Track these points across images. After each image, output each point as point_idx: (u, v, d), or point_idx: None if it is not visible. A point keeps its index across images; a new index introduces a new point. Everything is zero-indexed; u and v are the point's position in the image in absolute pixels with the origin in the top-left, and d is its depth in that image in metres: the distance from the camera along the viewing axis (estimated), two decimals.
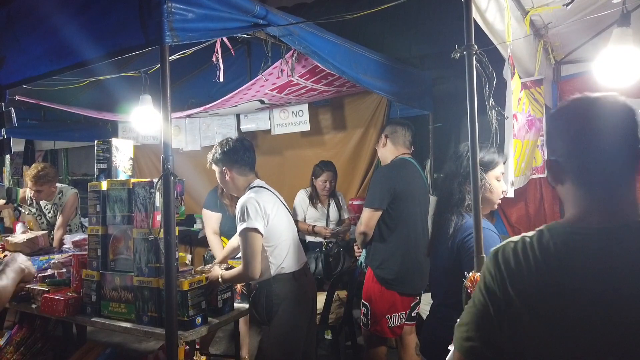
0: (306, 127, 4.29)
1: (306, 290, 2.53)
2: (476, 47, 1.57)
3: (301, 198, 4.05)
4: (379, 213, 2.85)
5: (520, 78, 2.50)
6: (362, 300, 2.99)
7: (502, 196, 2.00)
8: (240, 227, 2.35)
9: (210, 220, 3.65)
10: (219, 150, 2.56)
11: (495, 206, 2.00)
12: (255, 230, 2.32)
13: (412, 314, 3.01)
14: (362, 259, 3.20)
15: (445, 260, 1.91)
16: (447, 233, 1.89)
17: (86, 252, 2.65)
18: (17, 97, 3.67)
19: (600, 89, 2.95)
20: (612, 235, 1.01)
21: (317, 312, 3.51)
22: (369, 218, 2.86)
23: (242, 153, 2.52)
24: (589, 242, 1.02)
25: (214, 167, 2.60)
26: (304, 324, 2.50)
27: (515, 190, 2.43)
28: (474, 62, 1.57)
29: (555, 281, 1.01)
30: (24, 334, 3.09)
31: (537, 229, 1.11)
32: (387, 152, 3.04)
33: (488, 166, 1.96)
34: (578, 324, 0.98)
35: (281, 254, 2.44)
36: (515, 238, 1.13)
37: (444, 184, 2.04)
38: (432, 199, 3.79)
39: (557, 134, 1.11)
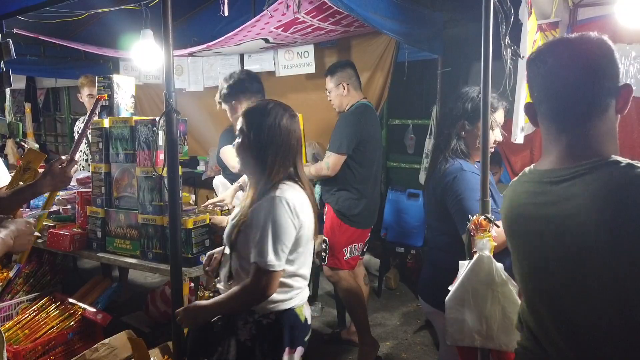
0: (311, 69, 4.18)
1: None
2: None
3: None
4: (344, 158, 2.94)
5: (536, 19, 2.40)
6: (323, 237, 3.11)
7: (493, 145, 1.91)
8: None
9: (232, 154, 3.49)
10: (225, 85, 2.51)
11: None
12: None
13: (364, 249, 3.23)
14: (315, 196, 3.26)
15: (434, 205, 1.93)
16: (436, 177, 1.89)
17: (90, 190, 2.66)
18: (15, 30, 3.56)
19: (617, 34, 2.82)
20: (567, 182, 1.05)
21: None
22: (335, 163, 2.94)
23: (248, 83, 2.48)
24: (533, 191, 1.11)
25: (224, 105, 2.55)
26: None
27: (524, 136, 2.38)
28: None
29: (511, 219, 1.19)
30: (32, 267, 3.17)
31: None
32: (349, 99, 3.09)
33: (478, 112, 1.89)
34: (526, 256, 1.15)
35: None
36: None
37: (439, 126, 2.02)
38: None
39: (532, 76, 1.13)
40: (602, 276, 0.98)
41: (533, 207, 1.11)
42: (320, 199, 3.30)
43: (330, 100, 3.21)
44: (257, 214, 1.59)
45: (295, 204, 1.60)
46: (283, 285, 1.65)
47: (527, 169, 1.19)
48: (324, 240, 3.10)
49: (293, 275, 1.67)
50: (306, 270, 1.74)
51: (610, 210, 0.96)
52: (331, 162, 2.95)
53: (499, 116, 1.94)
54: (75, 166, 2.03)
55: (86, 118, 2.24)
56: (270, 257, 1.55)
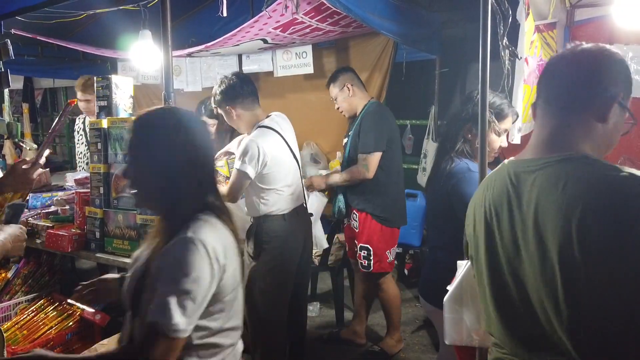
0: (310, 70, 4.18)
1: (295, 229, 2.56)
2: None
3: None
4: (380, 155, 2.95)
5: (534, 20, 2.40)
6: (360, 244, 3.05)
7: (497, 151, 1.95)
8: (236, 164, 2.45)
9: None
10: (217, 91, 2.53)
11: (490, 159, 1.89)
12: (245, 174, 2.39)
13: None
14: (340, 204, 3.17)
15: (437, 204, 1.94)
16: (440, 177, 1.90)
17: (89, 190, 2.66)
18: (13, 31, 3.56)
19: (615, 35, 2.84)
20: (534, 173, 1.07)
21: (317, 254, 3.59)
22: (373, 163, 2.93)
23: (239, 88, 2.50)
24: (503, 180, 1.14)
25: (220, 110, 2.59)
26: (293, 260, 2.56)
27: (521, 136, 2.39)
28: None
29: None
30: (31, 268, 3.16)
31: None
32: (358, 100, 3.10)
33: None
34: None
35: (274, 197, 2.48)
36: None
37: (446, 127, 2.03)
38: (434, 145, 3.77)
39: (540, 78, 1.19)
40: (563, 268, 0.98)
41: (506, 196, 1.12)
42: (344, 208, 3.16)
43: (339, 108, 3.17)
44: (164, 261, 1.22)
45: (215, 246, 1.24)
46: (209, 347, 1.29)
47: (506, 160, 1.21)
48: (365, 248, 3.05)
49: (220, 331, 1.30)
50: (237, 321, 1.37)
51: (565, 203, 0.97)
52: (369, 162, 2.94)
53: (507, 123, 1.93)
54: (40, 169, 1.94)
55: (55, 121, 2.18)
56: (177, 318, 1.15)
